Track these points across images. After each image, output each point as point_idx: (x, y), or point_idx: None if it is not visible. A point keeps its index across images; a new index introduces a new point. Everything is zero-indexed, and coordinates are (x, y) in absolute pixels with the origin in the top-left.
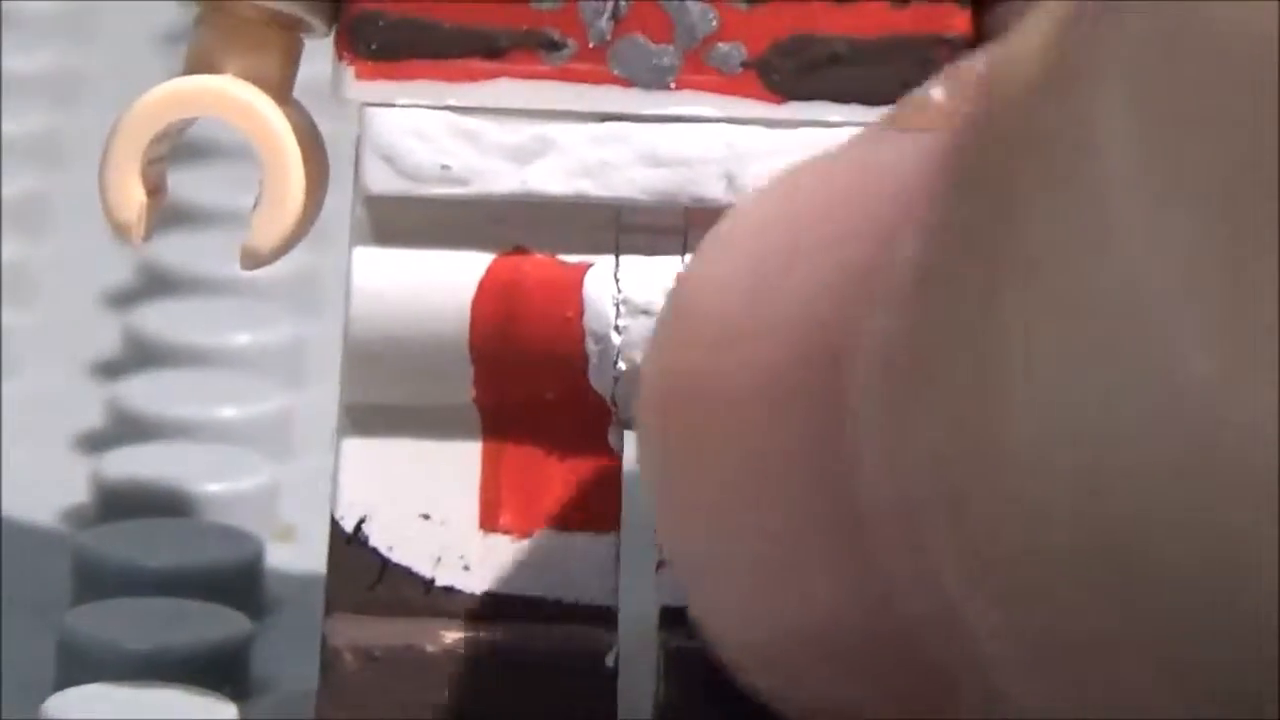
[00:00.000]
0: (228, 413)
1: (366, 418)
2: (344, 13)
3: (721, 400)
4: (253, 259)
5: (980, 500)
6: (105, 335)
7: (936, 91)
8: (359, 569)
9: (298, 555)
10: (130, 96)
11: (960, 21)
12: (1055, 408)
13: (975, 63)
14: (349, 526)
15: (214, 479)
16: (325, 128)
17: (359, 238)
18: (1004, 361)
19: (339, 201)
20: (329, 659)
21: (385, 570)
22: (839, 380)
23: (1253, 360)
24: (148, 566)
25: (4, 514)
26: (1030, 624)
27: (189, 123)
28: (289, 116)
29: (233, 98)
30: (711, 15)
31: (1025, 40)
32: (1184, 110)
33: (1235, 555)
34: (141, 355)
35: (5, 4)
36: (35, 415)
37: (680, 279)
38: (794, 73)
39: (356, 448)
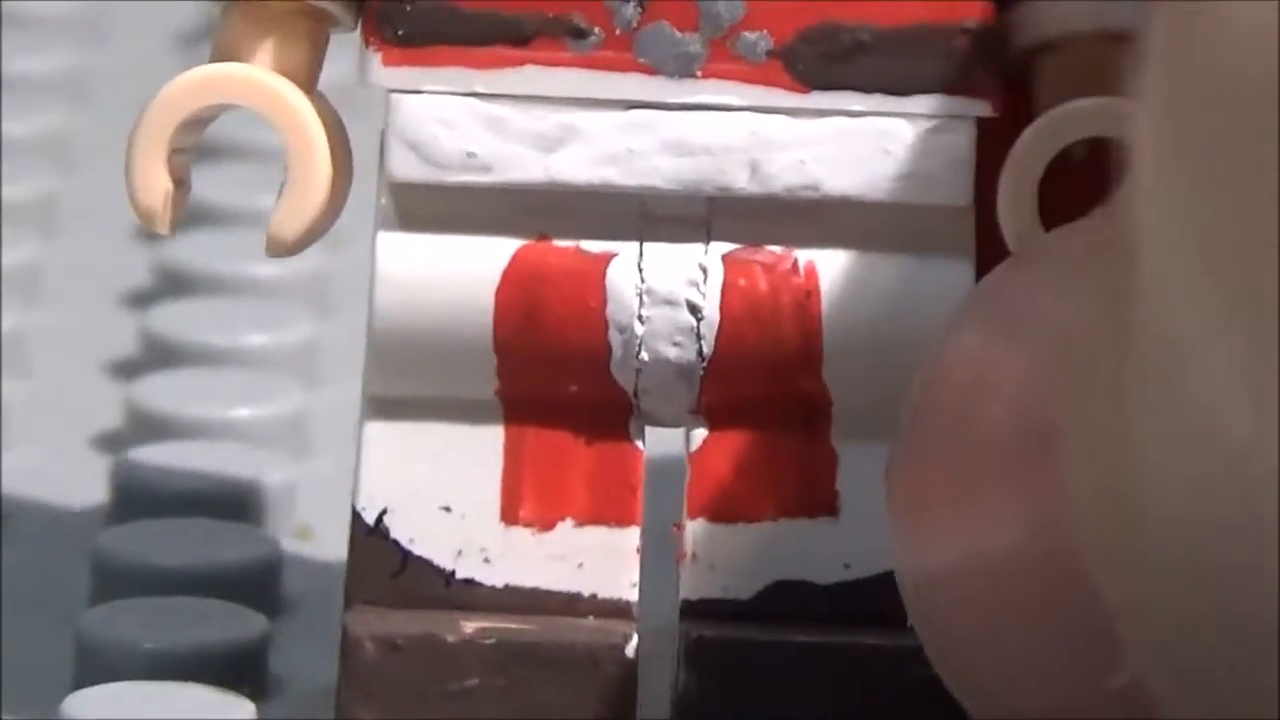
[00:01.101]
0: (244, 412)
1: (389, 409)
2: None
3: (956, 474)
4: (278, 247)
5: (1125, 564)
6: (122, 335)
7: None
8: (380, 561)
9: (316, 554)
10: (144, 97)
11: (983, 11)
12: (1158, 474)
13: None
14: (370, 519)
15: (232, 478)
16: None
17: (384, 224)
18: (1129, 434)
19: (353, 202)
20: (349, 649)
21: (406, 562)
22: (1050, 457)
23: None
24: (165, 566)
25: (23, 513)
26: (1180, 683)
27: (215, 112)
28: (315, 106)
29: (260, 85)
30: (737, 4)
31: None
32: (1211, 169)
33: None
34: (158, 355)
35: (18, 4)
36: (53, 415)
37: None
38: (819, 62)
39: (379, 440)
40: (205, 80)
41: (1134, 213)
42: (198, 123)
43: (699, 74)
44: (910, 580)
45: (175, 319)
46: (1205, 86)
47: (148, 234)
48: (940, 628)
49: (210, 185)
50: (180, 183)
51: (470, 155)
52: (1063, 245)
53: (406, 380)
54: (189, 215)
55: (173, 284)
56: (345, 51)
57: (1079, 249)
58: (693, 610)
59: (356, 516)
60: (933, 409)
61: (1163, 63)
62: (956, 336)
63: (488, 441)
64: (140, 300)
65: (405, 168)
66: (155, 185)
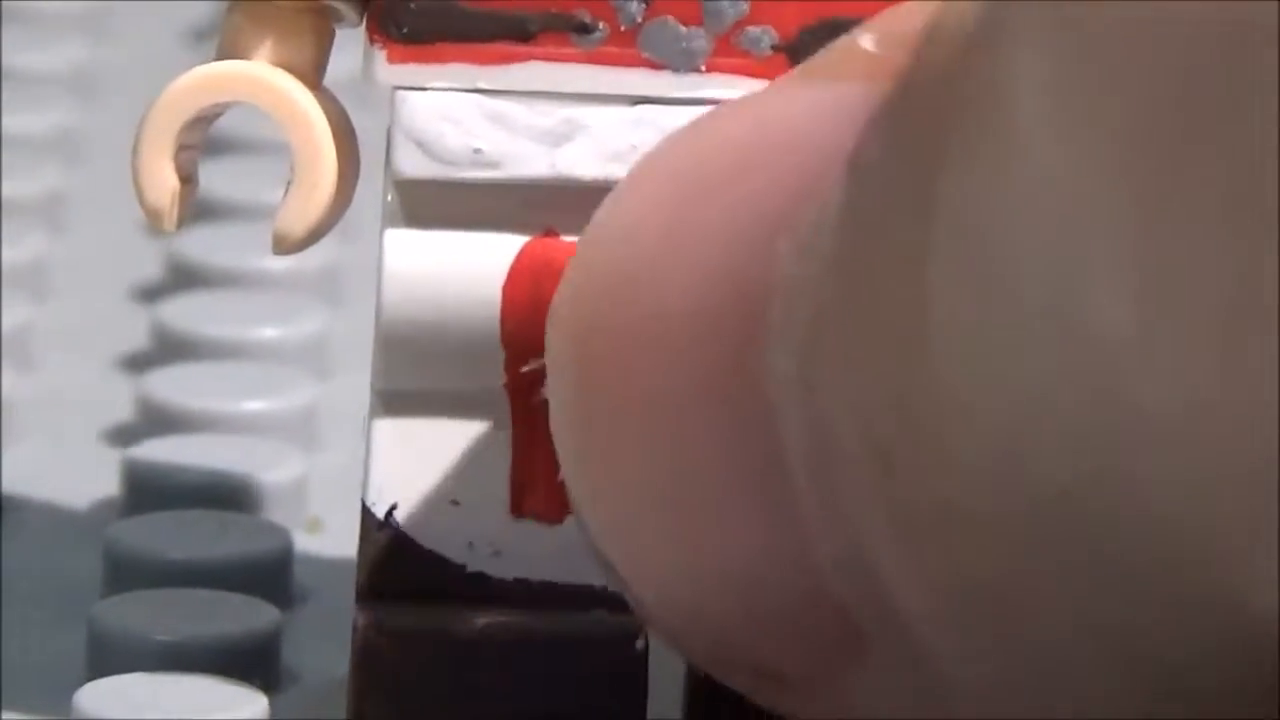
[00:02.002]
0: (255, 405)
1: (398, 403)
2: None
3: (634, 345)
4: (285, 243)
5: (905, 454)
6: (132, 329)
7: (865, 40)
8: (390, 555)
9: (326, 546)
10: (151, 92)
11: None
12: (976, 360)
13: (909, 14)
14: (380, 513)
15: (242, 471)
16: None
17: (391, 221)
18: (928, 313)
19: (364, 194)
20: (360, 643)
21: (416, 556)
22: (755, 327)
23: (1164, 310)
24: (177, 558)
25: (34, 506)
26: (954, 579)
27: (221, 109)
28: (321, 102)
29: (265, 82)
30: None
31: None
32: (1094, 52)
33: (1146, 511)
34: (169, 348)
35: (25, 1)
36: (63, 409)
37: (593, 223)
38: None
39: (388, 434)
40: (210, 78)
41: (979, 72)
42: (204, 120)
43: (704, 69)
44: (585, 455)
45: (186, 312)
46: None
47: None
48: (617, 507)
49: (221, 179)
50: (187, 180)
51: (476, 151)
52: (781, 97)
53: (415, 375)
54: (199, 209)
55: (183, 277)
56: (355, 46)
57: (812, 98)
58: None
59: (366, 511)
60: (613, 251)
61: None
62: (630, 190)
63: (497, 435)
64: (150, 294)
65: (411, 165)
66: (162, 183)
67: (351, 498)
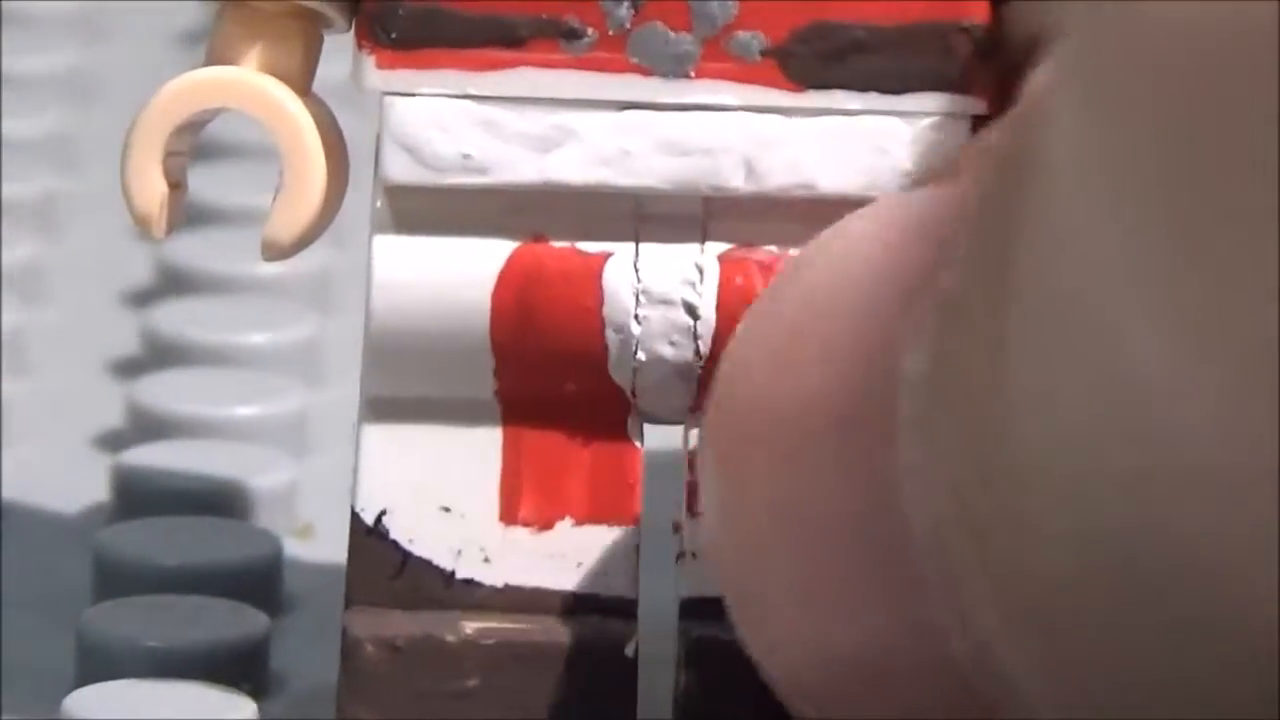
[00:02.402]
0: (245, 411)
1: (387, 410)
2: (364, 1)
3: (775, 429)
4: (274, 249)
5: (999, 529)
6: (123, 334)
7: (983, 140)
8: (379, 561)
9: (316, 552)
10: (144, 96)
11: (979, 10)
12: (1044, 425)
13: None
14: (369, 519)
15: (233, 477)
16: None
17: (379, 227)
18: (1007, 385)
19: (354, 200)
20: (350, 649)
21: (406, 563)
22: (886, 411)
23: (1199, 357)
24: (167, 564)
25: (24, 512)
26: (1054, 652)
27: (210, 116)
28: (309, 108)
29: (253, 88)
30: (731, 3)
31: (1037, 83)
32: (1121, 114)
33: (1201, 562)
34: (159, 354)
35: (18, 3)
36: (54, 413)
37: (743, 319)
38: (814, 61)
39: (377, 440)
40: (198, 85)
41: (1031, 151)
42: (193, 126)
43: (693, 74)
44: (723, 547)
45: (176, 318)
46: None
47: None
48: (752, 596)
49: (212, 184)
50: (176, 186)
51: (465, 157)
52: (901, 200)
53: (404, 381)
54: (190, 214)
55: (174, 283)
56: (344, 51)
57: (926, 200)
58: (693, 609)
59: (355, 517)
60: (750, 362)
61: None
62: (782, 285)
63: (486, 441)
64: (141, 299)
65: (400, 170)
66: (151, 189)
67: (342, 504)
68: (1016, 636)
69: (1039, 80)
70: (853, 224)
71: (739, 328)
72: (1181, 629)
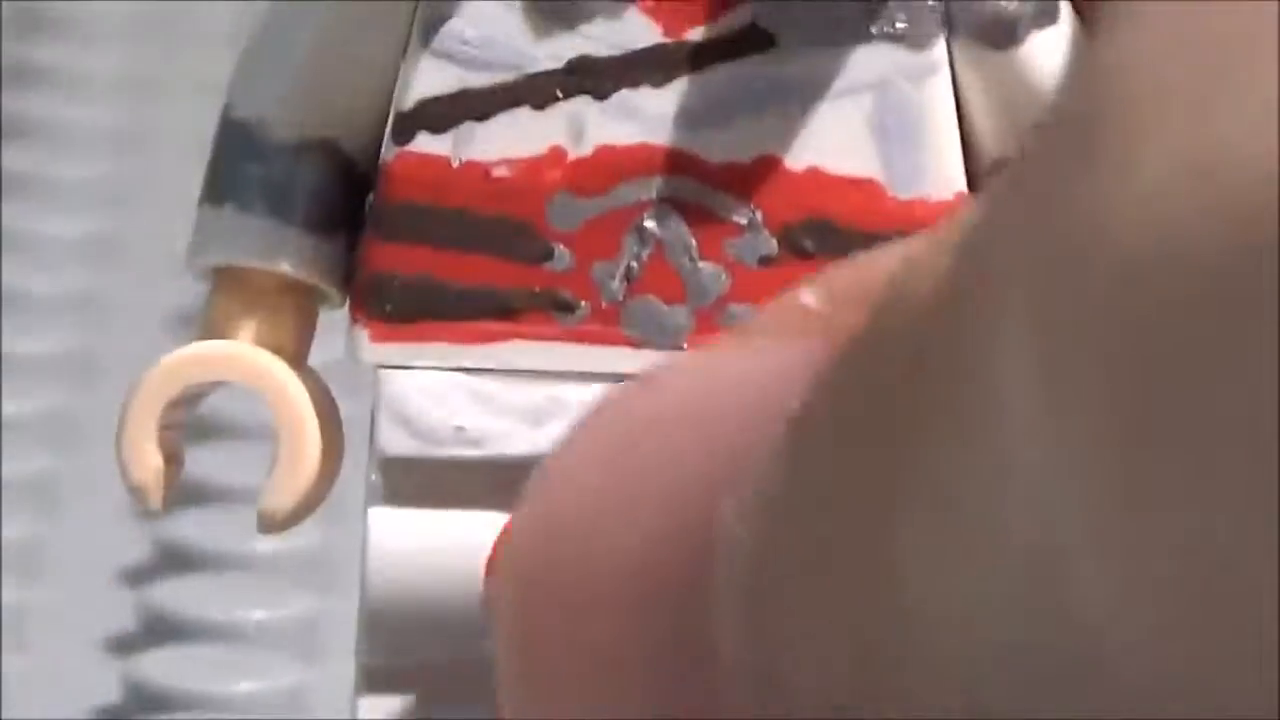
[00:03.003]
0: (244, 687)
1: (384, 679)
2: (358, 275)
3: (574, 601)
4: (270, 522)
5: (872, 710)
6: (121, 611)
7: (807, 297)
8: None
9: None
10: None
11: None
12: (951, 627)
13: (856, 270)
14: None
15: None
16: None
17: (375, 499)
18: (899, 578)
19: (348, 477)
20: None
21: None
22: (697, 589)
23: (1146, 594)
24: None
25: None
26: None
27: (206, 390)
28: (304, 381)
29: (248, 361)
30: (724, 276)
31: (926, 258)
32: (1081, 358)
33: None
34: (157, 631)
35: (17, 285)
36: (52, 690)
37: (535, 478)
38: None
39: (375, 712)
40: (192, 358)
41: (954, 354)
42: (188, 400)
43: (686, 345)
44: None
45: (175, 594)
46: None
47: (146, 511)
48: None
49: (208, 464)
50: (171, 459)
51: (459, 430)
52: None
53: (401, 650)
54: (187, 493)
55: (172, 560)
56: (337, 331)
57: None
58: None
59: None
60: (559, 506)
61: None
62: (570, 448)
63: (482, 713)
64: (140, 576)
65: (395, 443)
66: (146, 461)
67: None
68: None
69: (938, 261)
70: (668, 377)
71: (548, 463)
72: None
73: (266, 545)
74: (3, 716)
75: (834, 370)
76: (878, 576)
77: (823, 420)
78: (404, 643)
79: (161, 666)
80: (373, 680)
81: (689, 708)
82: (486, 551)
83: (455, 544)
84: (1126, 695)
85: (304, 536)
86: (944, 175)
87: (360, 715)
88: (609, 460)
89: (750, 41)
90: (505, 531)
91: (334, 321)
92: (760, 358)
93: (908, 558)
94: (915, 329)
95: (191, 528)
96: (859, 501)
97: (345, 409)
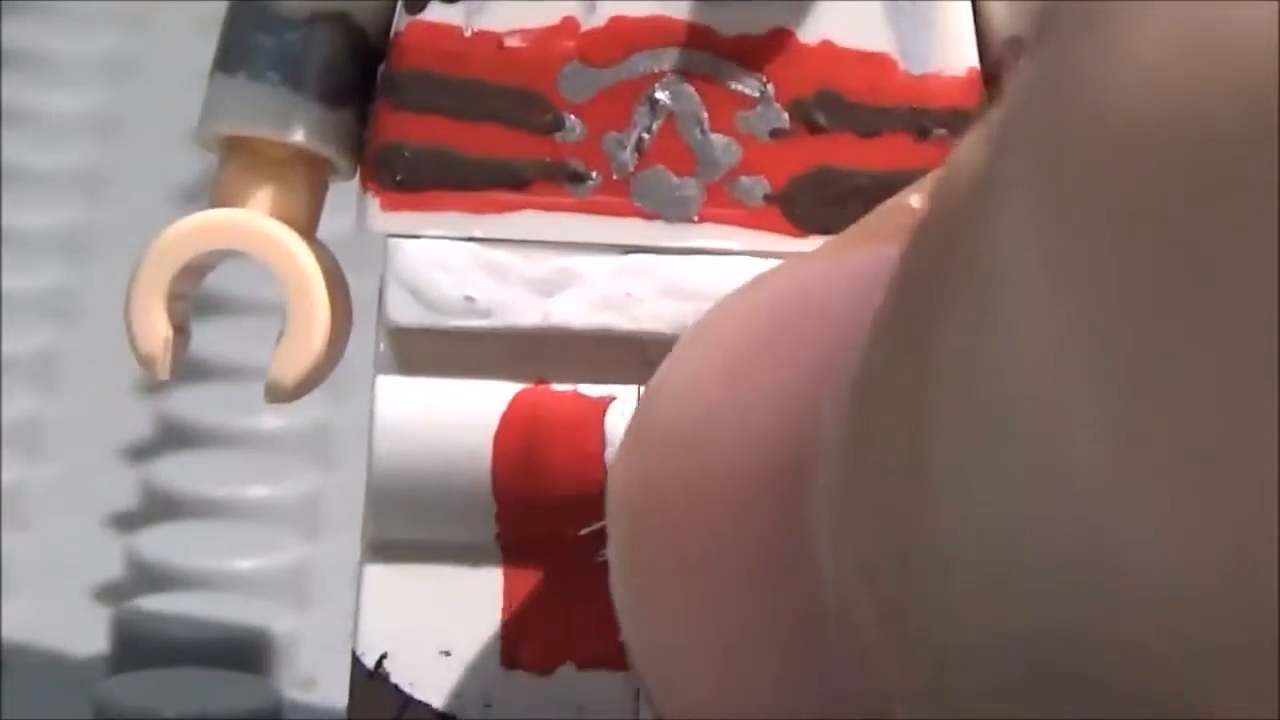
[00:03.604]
0: (246, 564)
1: (389, 553)
2: (369, 144)
3: (690, 504)
4: (277, 393)
5: (908, 604)
6: (123, 488)
7: (914, 199)
8: (380, 705)
9: (318, 704)
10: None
11: None
12: (968, 507)
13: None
14: (370, 662)
15: (233, 629)
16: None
17: (383, 369)
18: (927, 469)
19: (353, 353)
20: None
21: (406, 707)
22: (802, 488)
23: (1145, 461)
24: (167, 717)
25: (23, 664)
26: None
27: (215, 259)
28: (314, 252)
29: (257, 230)
30: (734, 148)
31: (967, 148)
32: (1084, 224)
33: (1131, 652)
34: (159, 507)
35: (18, 159)
36: (54, 567)
37: (652, 383)
38: (817, 206)
39: (378, 584)
40: (203, 225)
41: (968, 239)
42: (197, 269)
43: (696, 218)
44: (644, 662)
45: (176, 471)
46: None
47: (149, 387)
48: (664, 664)
49: (212, 339)
50: (180, 329)
51: (469, 300)
52: (823, 260)
53: (406, 524)
54: (190, 368)
55: (174, 437)
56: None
57: (853, 262)
58: None
59: (356, 661)
60: (656, 461)
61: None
62: (687, 353)
63: (487, 585)
64: (141, 453)
65: (404, 312)
66: (155, 331)
67: (343, 656)
68: (920, 704)
69: (977, 152)
70: (779, 282)
71: (664, 367)
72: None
73: (269, 421)
74: (3, 593)
75: (896, 264)
76: (913, 468)
77: (886, 314)
78: (409, 515)
79: (163, 543)
80: (378, 553)
81: (791, 613)
82: (494, 423)
83: (463, 414)
84: (1129, 566)
85: (307, 413)
86: (956, 51)
87: (364, 592)
88: (724, 363)
89: None
90: (623, 445)
91: (341, 198)
92: (860, 260)
93: (935, 447)
94: (949, 216)
95: (193, 404)
96: (899, 392)
97: (353, 286)
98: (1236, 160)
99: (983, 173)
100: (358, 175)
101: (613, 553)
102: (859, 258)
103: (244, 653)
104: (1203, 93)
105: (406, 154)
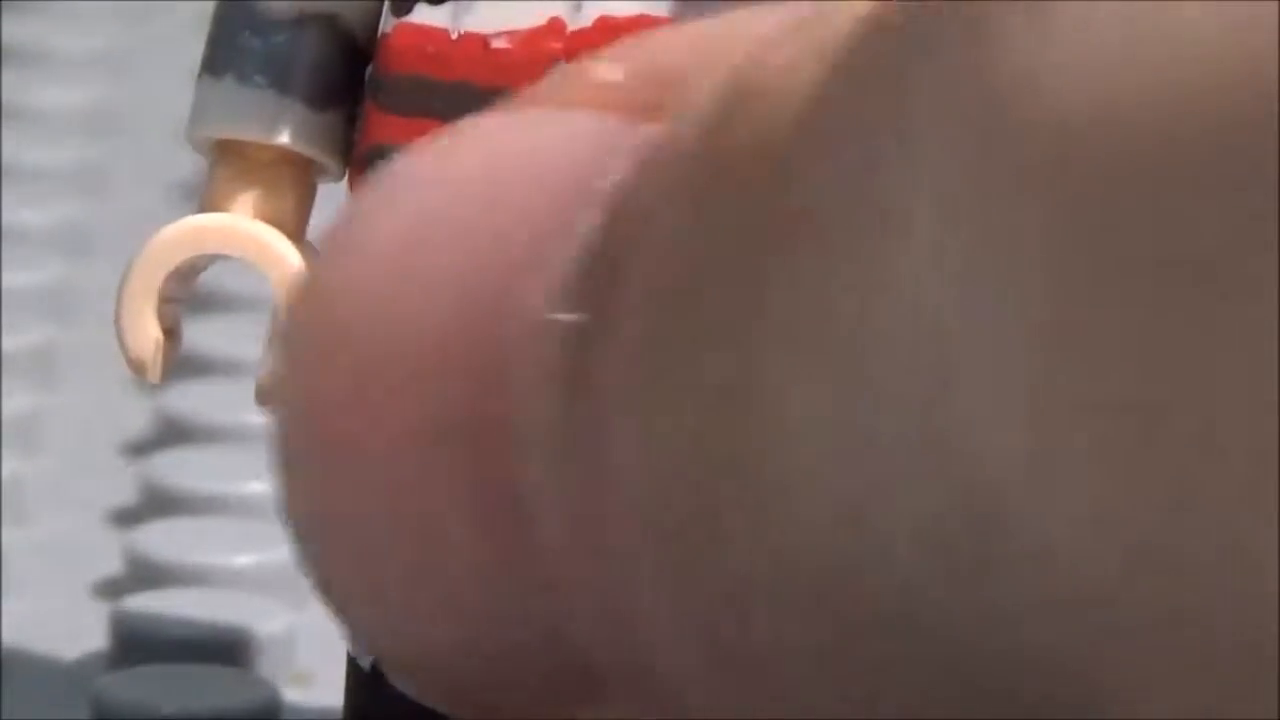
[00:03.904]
0: (244, 560)
1: None
2: (357, 146)
3: (367, 372)
4: (268, 395)
5: (737, 518)
6: (121, 484)
7: (603, 70)
8: (376, 706)
9: (314, 701)
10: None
11: None
12: (830, 444)
13: (648, 48)
14: (365, 663)
15: (231, 625)
16: None
17: None
18: (773, 383)
19: None
20: None
21: (403, 706)
22: (497, 369)
23: (1059, 442)
24: (165, 712)
25: (22, 661)
26: (742, 646)
27: (205, 263)
28: (304, 254)
29: (247, 234)
30: None
31: (787, 58)
32: (992, 182)
33: (1020, 639)
34: (158, 503)
35: (17, 156)
36: (52, 562)
37: (329, 236)
38: None
39: None
40: (192, 230)
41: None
42: (187, 272)
43: None
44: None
45: (175, 467)
46: None
47: (147, 383)
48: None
49: (210, 335)
50: (170, 332)
51: None
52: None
53: None
54: (188, 366)
55: (173, 433)
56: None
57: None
58: None
59: (352, 662)
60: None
61: None
62: (370, 211)
63: None
64: (140, 449)
65: None
66: (145, 334)
67: (340, 652)
68: (688, 615)
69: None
70: (464, 150)
71: (342, 222)
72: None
73: (265, 417)
74: (1, 589)
75: (683, 161)
76: (740, 389)
77: (676, 213)
78: None
79: (162, 539)
80: None
81: (479, 489)
82: None
83: None
84: (1026, 562)
85: None
86: None
87: None
88: (401, 232)
89: None
90: (291, 292)
91: (332, 196)
92: (549, 128)
93: (775, 373)
94: (783, 135)
95: (192, 400)
96: (720, 305)
97: None
98: (1176, 159)
99: (851, 110)
100: (346, 180)
101: (278, 452)
102: (544, 126)
103: (242, 649)
104: (1143, 93)
105: (394, 156)
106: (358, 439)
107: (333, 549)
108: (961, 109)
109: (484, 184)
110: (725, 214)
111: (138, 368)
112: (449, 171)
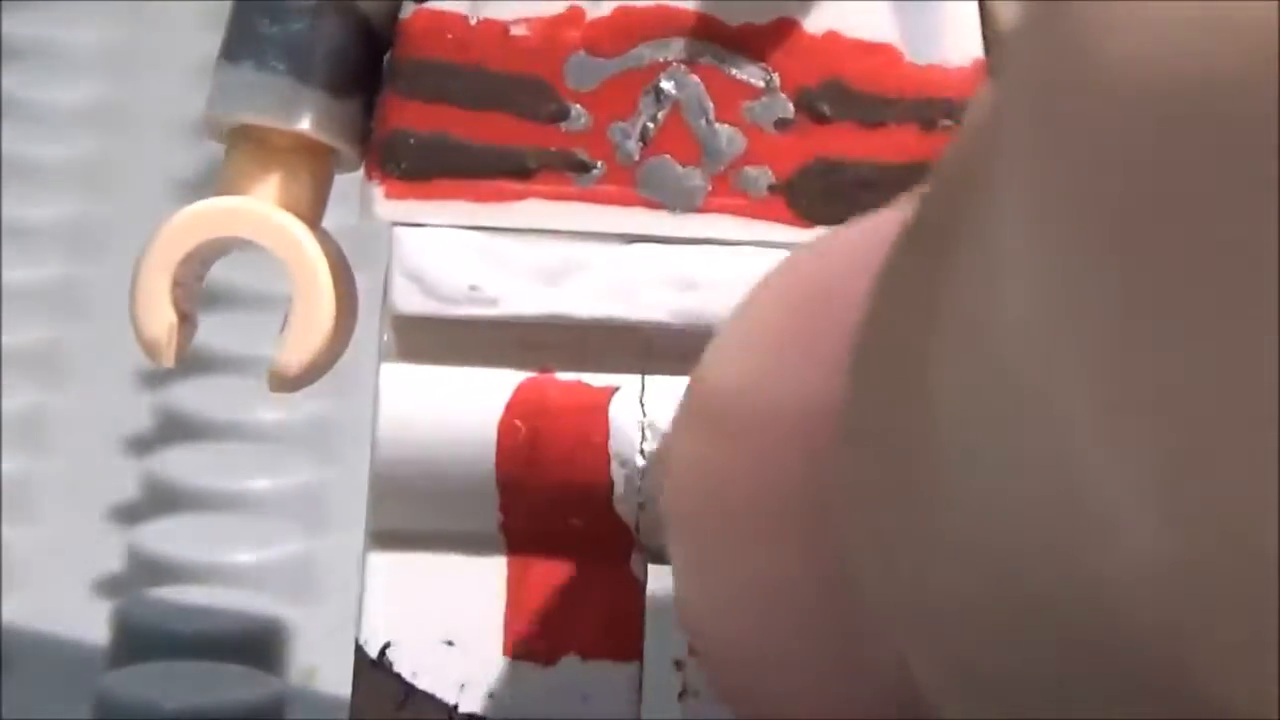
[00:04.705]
0: (247, 557)
1: (392, 542)
2: (374, 132)
3: (732, 470)
4: (281, 382)
5: (904, 548)
6: (124, 480)
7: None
8: (383, 695)
9: (320, 696)
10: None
11: None
12: (962, 447)
13: None
14: (373, 652)
15: (235, 622)
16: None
17: (387, 357)
18: (926, 405)
19: (355, 347)
20: None
21: (409, 697)
22: (827, 450)
23: (1134, 433)
24: (168, 709)
25: (25, 657)
26: (955, 666)
27: (220, 247)
28: (319, 241)
29: (263, 218)
30: (739, 138)
31: (979, 97)
32: (1079, 176)
33: (1113, 611)
34: (161, 500)
35: (20, 152)
36: (55, 559)
37: (699, 366)
38: (821, 197)
39: (382, 573)
40: (209, 212)
41: (973, 178)
42: (203, 258)
43: (701, 207)
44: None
45: (178, 464)
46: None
47: (150, 379)
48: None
49: (214, 332)
50: (185, 316)
51: (473, 288)
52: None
53: (410, 513)
54: (191, 362)
55: (175, 429)
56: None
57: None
58: None
59: (359, 650)
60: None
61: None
62: (720, 351)
63: (491, 574)
64: (143, 445)
65: (408, 301)
66: (159, 317)
67: (344, 648)
68: (919, 645)
69: (984, 102)
70: (805, 263)
71: (728, 324)
72: (1089, 669)
73: (270, 415)
74: (5, 585)
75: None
76: (916, 410)
77: (890, 264)
78: (413, 503)
79: (164, 535)
80: (381, 542)
81: (818, 570)
82: (498, 412)
83: (467, 402)
84: (1112, 524)
85: (308, 406)
86: (962, 41)
87: (368, 581)
88: (763, 347)
89: None
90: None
91: (346, 192)
92: (887, 231)
93: (935, 381)
94: (959, 159)
95: (195, 397)
96: (906, 338)
97: (356, 281)
98: (1242, 123)
99: (987, 116)
100: (363, 165)
101: (669, 540)
102: (882, 230)
103: (245, 645)
104: (1208, 52)
105: (411, 142)
106: (726, 521)
107: (705, 627)
108: (1042, 96)
109: (839, 277)
110: (914, 243)
111: (151, 349)
112: (827, 267)
